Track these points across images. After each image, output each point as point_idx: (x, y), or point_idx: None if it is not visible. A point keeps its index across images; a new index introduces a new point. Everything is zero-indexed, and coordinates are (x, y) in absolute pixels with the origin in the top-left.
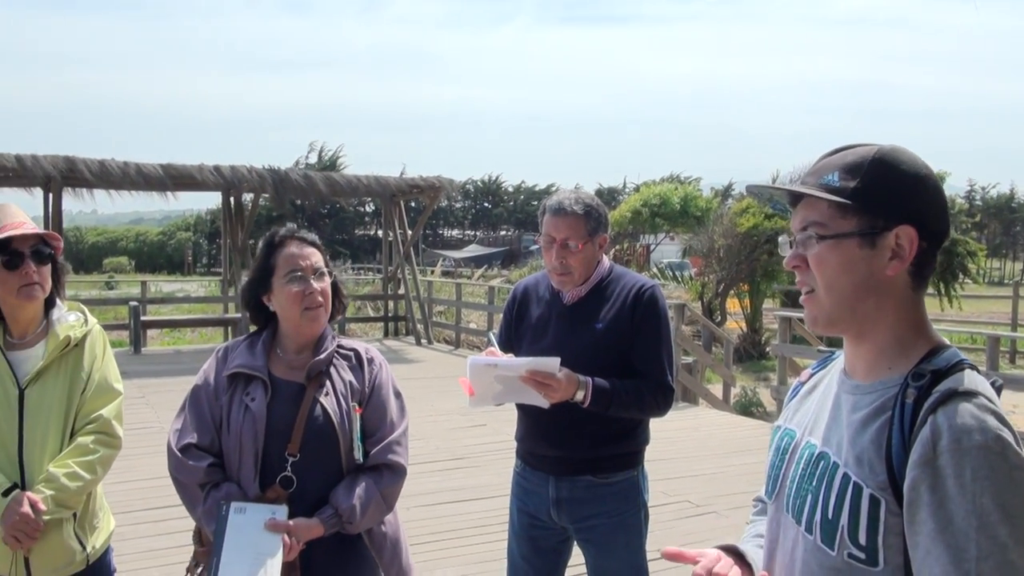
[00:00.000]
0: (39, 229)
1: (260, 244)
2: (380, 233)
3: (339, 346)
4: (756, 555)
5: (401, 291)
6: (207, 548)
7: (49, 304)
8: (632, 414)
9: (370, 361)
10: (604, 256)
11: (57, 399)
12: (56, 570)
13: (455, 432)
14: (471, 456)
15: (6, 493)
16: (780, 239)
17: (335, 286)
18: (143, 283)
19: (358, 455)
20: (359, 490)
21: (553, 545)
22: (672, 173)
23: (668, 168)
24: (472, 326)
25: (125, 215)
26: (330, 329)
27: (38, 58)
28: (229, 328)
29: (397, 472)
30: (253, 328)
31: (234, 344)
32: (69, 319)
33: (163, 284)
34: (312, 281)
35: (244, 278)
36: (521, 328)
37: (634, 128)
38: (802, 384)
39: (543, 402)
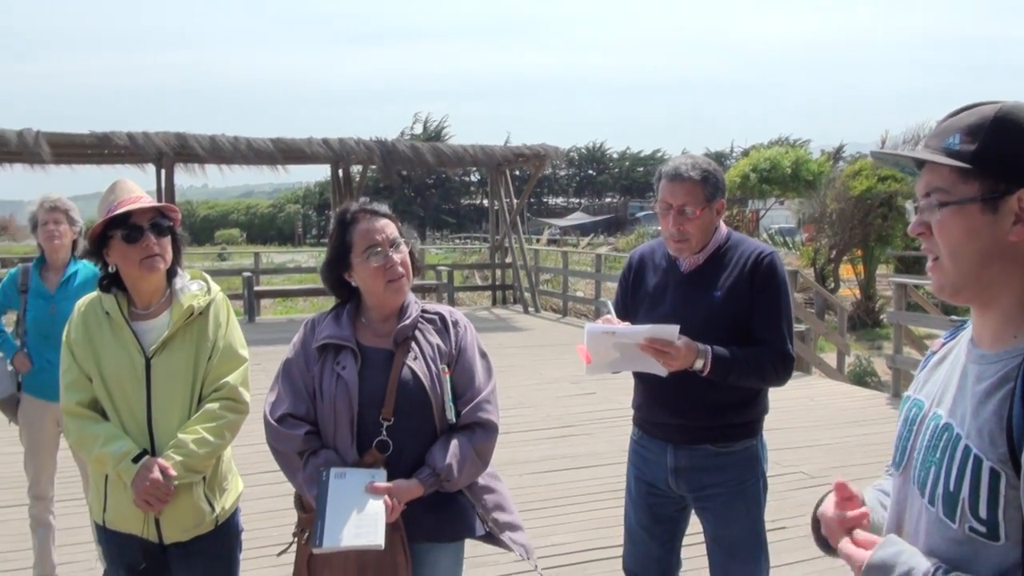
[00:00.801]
0: (156, 202)
1: (332, 223)
2: (486, 202)
3: (423, 311)
4: (874, 500)
5: (508, 260)
6: (310, 514)
7: (171, 274)
8: (751, 383)
9: (455, 324)
10: (721, 222)
11: (183, 367)
12: (186, 530)
13: (565, 400)
14: (581, 424)
15: (136, 459)
16: (907, 205)
17: (411, 253)
18: (256, 254)
19: (450, 415)
20: (454, 448)
21: (671, 514)
22: (781, 136)
23: (776, 131)
24: (579, 294)
25: (235, 189)
26: (412, 295)
27: (152, 39)
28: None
29: (489, 429)
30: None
31: (320, 317)
32: (192, 288)
33: (274, 255)
34: (391, 253)
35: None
36: (637, 296)
37: (741, 90)
38: (933, 354)
39: (661, 370)
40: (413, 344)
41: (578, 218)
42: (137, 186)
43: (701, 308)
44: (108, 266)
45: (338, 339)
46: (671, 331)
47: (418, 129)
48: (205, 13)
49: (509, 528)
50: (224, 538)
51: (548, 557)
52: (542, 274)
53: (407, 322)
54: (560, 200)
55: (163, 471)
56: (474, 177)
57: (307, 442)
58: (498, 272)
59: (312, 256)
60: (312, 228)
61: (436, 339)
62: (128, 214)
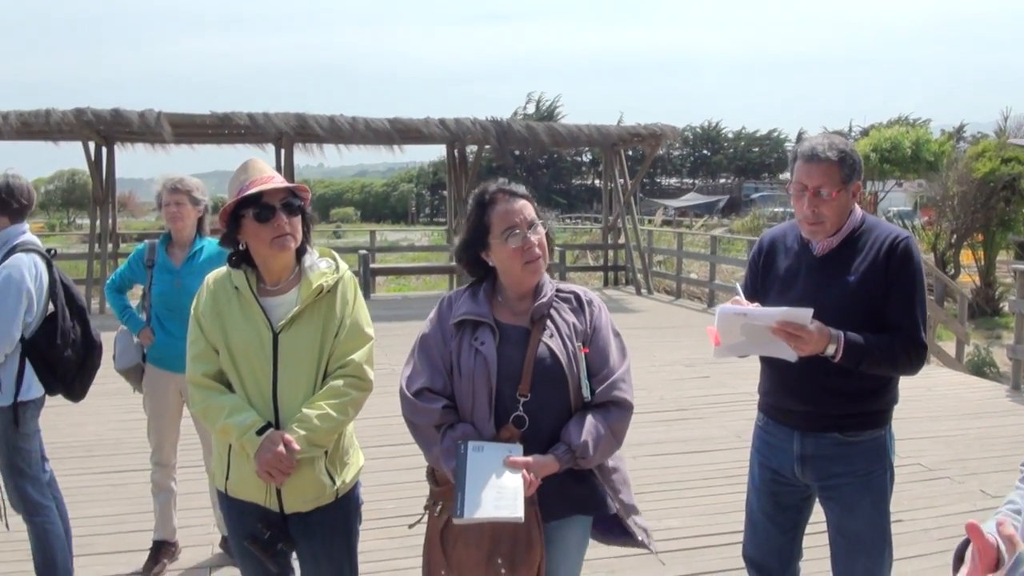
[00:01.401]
0: (287, 183)
1: (470, 203)
2: (597, 182)
3: (558, 290)
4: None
5: (621, 240)
6: (443, 487)
7: (300, 252)
8: (883, 371)
9: (589, 303)
10: (856, 205)
11: (309, 343)
12: (306, 502)
13: (679, 383)
14: (695, 408)
15: (261, 432)
16: None
17: (547, 234)
18: (371, 232)
19: (586, 393)
20: (589, 426)
21: (795, 502)
22: (900, 115)
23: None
24: (693, 276)
25: (350, 168)
26: (547, 275)
27: (271, 20)
28: (454, 276)
29: (624, 408)
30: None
31: (456, 294)
32: (321, 266)
33: (388, 233)
34: (529, 235)
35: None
36: (768, 279)
37: (860, 68)
38: None
39: (791, 355)
40: (549, 322)
41: (692, 199)
42: (268, 166)
43: (834, 292)
44: (238, 243)
45: (476, 315)
46: (804, 315)
47: (531, 109)
48: None
49: (633, 511)
50: (344, 510)
51: (662, 541)
52: (655, 255)
53: (543, 300)
54: (673, 180)
55: (286, 444)
56: (586, 157)
57: (444, 416)
58: (610, 253)
59: (425, 235)
60: (425, 207)
61: (572, 318)
62: (260, 194)
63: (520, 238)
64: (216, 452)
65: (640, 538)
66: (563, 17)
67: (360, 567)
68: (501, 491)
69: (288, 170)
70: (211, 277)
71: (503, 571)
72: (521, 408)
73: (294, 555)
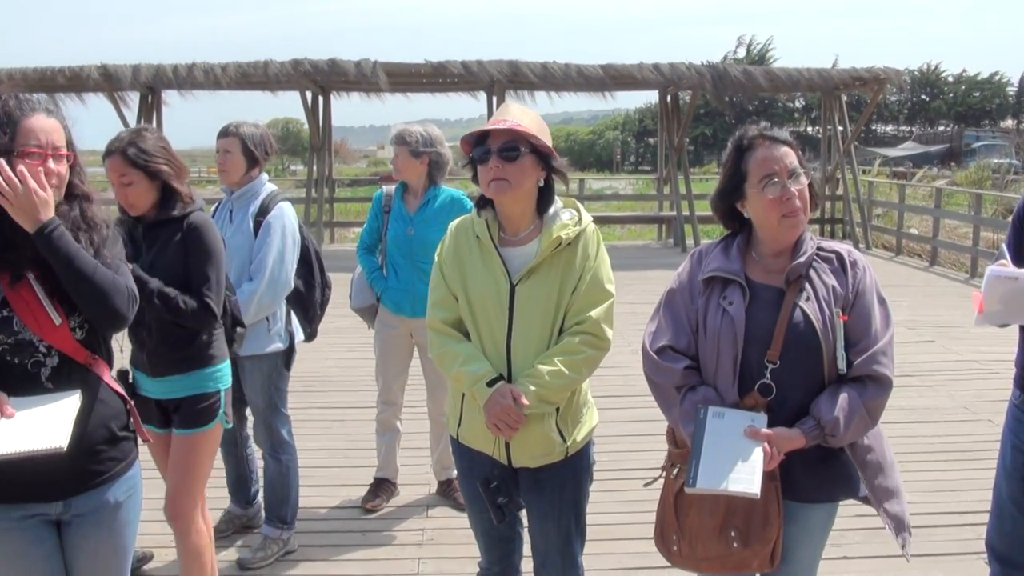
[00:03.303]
0: (518, 128)
1: (728, 148)
2: (810, 129)
3: (819, 248)
4: None
5: (839, 192)
6: (682, 450)
7: (544, 202)
8: None
9: (853, 264)
10: None
11: (546, 297)
12: (534, 458)
13: (901, 347)
14: (920, 375)
15: (492, 383)
16: None
17: (810, 184)
18: (580, 180)
19: (841, 365)
20: (842, 401)
21: None
22: None
23: None
24: (913, 231)
25: (555, 115)
26: (808, 230)
27: None
28: (663, 226)
29: (882, 384)
30: (724, 232)
31: (707, 248)
32: (563, 218)
33: (592, 181)
34: (789, 184)
35: (715, 184)
36: None
37: None
38: None
39: None
40: (806, 283)
41: (909, 148)
42: (521, 111)
43: None
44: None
45: (726, 272)
46: None
47: (741, 53)
48: None
49: (886, 496)
50: (574, 470)
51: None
52: (874, 208)
53: (801, 259)
54: (890, 128)
55: (515, 398)
56: (798, 103)
57: (686, 376)
58: (827, 204)
59: (630, 184)
60: (630, 155)
61: (832, 280)
62: (485, 135)
63: (779, 188)
64: (451, 398)
65: (889, 529)
66: None
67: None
68: (739, 463)
69: None
70: (455, 224)
71: (735, 544)
72: (768, 375)
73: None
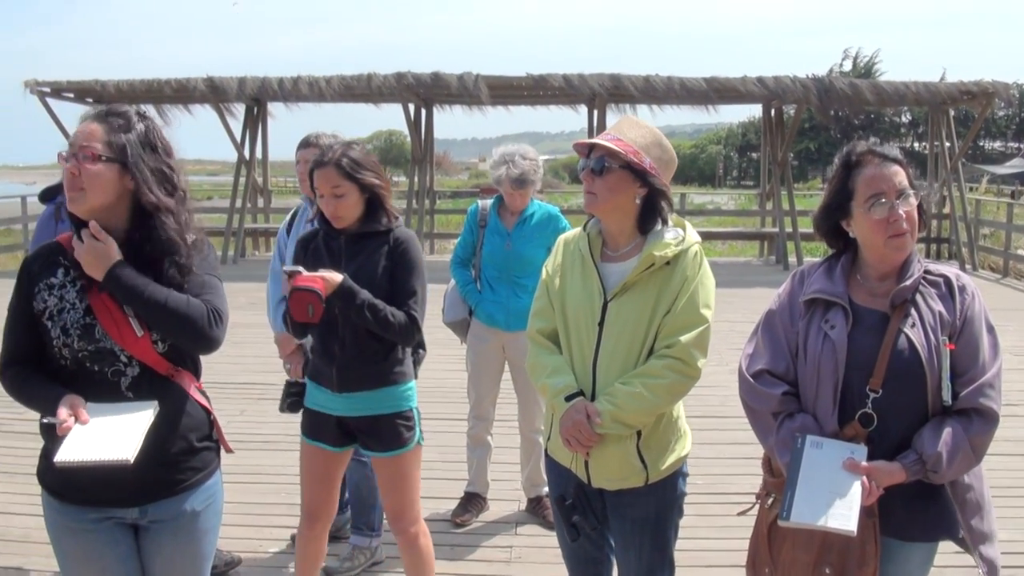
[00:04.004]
0: (611, 141)
1: (836, 163)
2: (916, 145)
3: (926, 271)
4: None
5: (945, 210)
6: (778, 479)
7: (649, 220)
8: None
9: (961, 289)
10: None
11: (636, 316)
12: (611, 480)
13: (1006, 374)
14: None
15: (571, 398)
16: None
17: (919, 205)
18: (682, 195)
19: (946, 396)
20: (946, 436)
21: None
22: None
23: None
24: (1021, 252)
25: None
26: (916, 252)
27: None
28: (765, 243)
29: (989, 419)
30: (829, 252)
31: (810, 268)
32: (665, 236)
33: (694, 196)
34: (897, 205)
35: (819, 201)
36: None
37: None
38: None
39: None
40: (912, 308)
41: (1017, 165)
42: (632, 125)
43: None
44: None
45: (829, 294)
46: None
47: (847, 66)
48: None
49: (982, 538)
50: (658, 499)
51: None
52: (981, 228)
53: (907, 283)
54: (997, 144)
55: (589, 415)
56: (905, 118)
57: (784, 403)
58: (933, 223)
59: (732, 199)
60: (733, 170)
61: (938, 305)
62: (592, 148)
63: (886, 208)
64: (546, 410)
65: (983, 572)
66: None
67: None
68: (835, 497)
69: (600, 131)
70: (563, 237)
71: None
72: (870, 404)
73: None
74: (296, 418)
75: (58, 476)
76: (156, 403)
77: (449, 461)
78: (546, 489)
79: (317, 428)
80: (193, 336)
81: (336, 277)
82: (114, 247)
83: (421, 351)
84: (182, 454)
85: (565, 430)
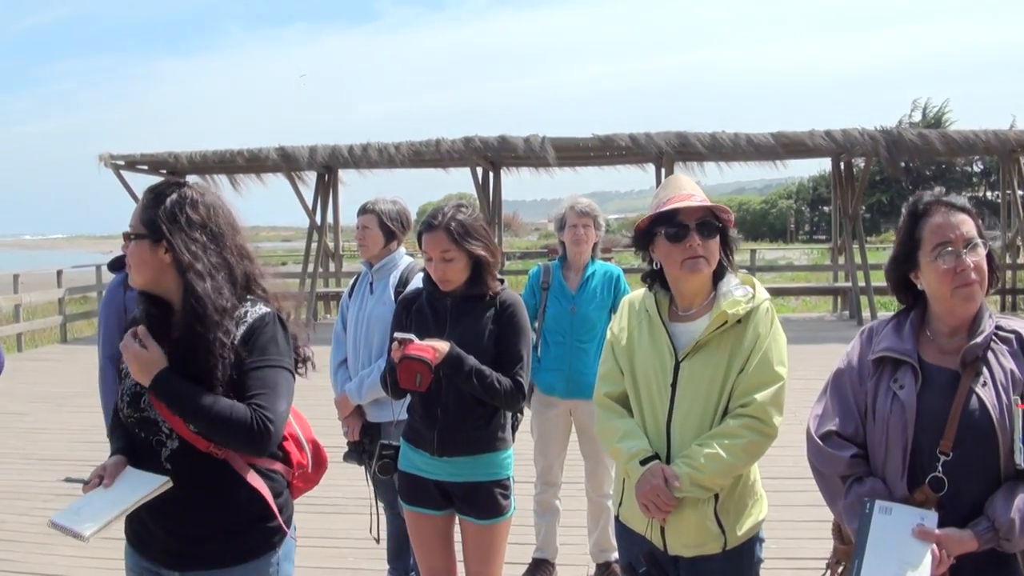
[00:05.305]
0: (708, 202)
1: (903, 213)
2: (988, 194)
3: (997, 327)
4: None
5: (1020, 260)
6: (847, 546)
7: (718, 277)
8: None
9: None
10: None
11: (710, 375)
12: (687, 546)
13: None
14: None
15: (646, 461)
16: None
17: (989, 256)
18: (752, 251)
19: (1019, 459)
20: (1019, 502)
21: None
22: None
23: None
24: None
25: (727, 185)
26: (988, 308)
27: (652, 42)
28: (838, 298)
29: None
30: (899, 307)
31: (879, 325)
32: (736, 294)
33: (766, 252)
34: (964, 255)
35: (888, 252)
36: None
37: None
38: None
39: None
40: (983, 367)
41: None
42: (692, 183)
43: None
44: (652, 262)
45: (898, 352)
46: None
47: (916, 116)
48: (719, 11)
49: None
50: (733, 566)
51: None
52: None
53: (979, 340)
54: None
55: (667, 479)
56: (977, 167)
57: (852, 466)
58: (1008, 274)
59: (804, 253)
60: (804, 224)
61: (1010, 363)
62: (676, 212)
63: (953, 257)
64: (616, 475)
65: None
66: (951, 15)
67: None
68: (905, 565)
69: None
70: (627, 299)
71: None
72: (940, 468)
73: None
74: (360, 480)
75: (128, 523)
76: (166, 479)
77: (516, 525)
78: (615, 555)
79: (416, 493)
80: (237, 444)
81: (444, 346)
82: (157, 353)
83: (519, 415)
84: (221, 533)
85: (642, 494)
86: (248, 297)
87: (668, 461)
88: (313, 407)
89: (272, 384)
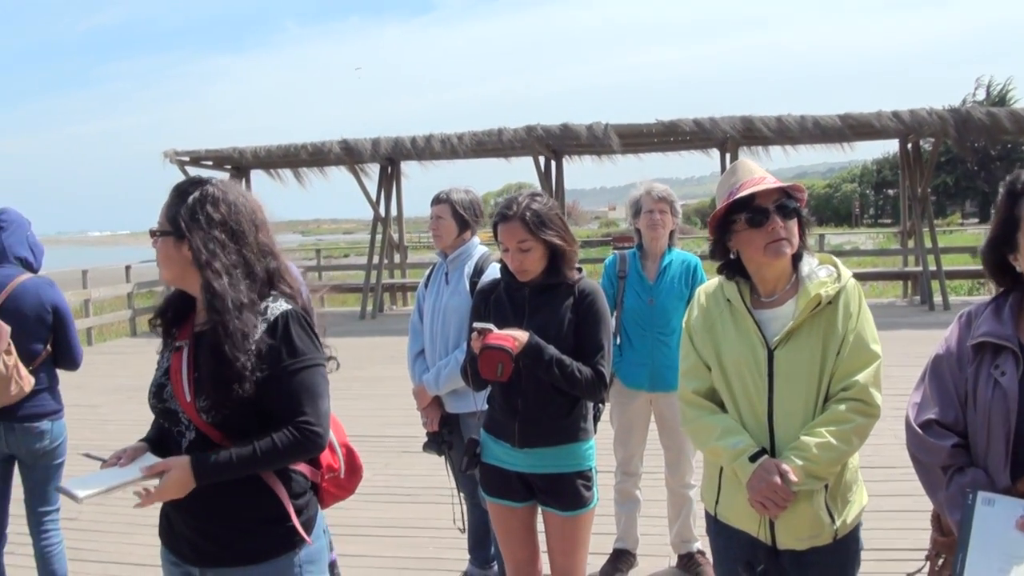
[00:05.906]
0: (780, 182)
1: (1000, 192)
2: None
3: None
4: None
5: None
6: (948, 538)
7: (797, 259)
8: None
9: None
10: None
11: (808, 361)
12: (800, 539)
13: None
14: None
15: (754, 458)
16: None
17: None
18: (819, 236)
19: None
20: None
21: None
22: None
23: None
24: None
25: (790, 170)
26: None
27: (713, 27)
28: (908, 283)
29: None
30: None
31: (978, 309)
32: (820, 274)
33: (831, 236)
34: None
35: (984, 236)
36: None
37: None
38: None
39: None
40: None
41: None
42: (758, 166)
43: None
44: (729, 252)
45: (997, 337)
46: None
47: (980, 95)
48: None
49: None
50: (842, 554)
51: None
52: None
53: None
54: None
55: (782, 475)
56: None
57: (953, 456)
58: None
59: (870, 238)
60: (869, 207)
61: None
62: (752, 196)
63: None
64: (706, 473)
65: None
66: None
67: None
68: (1012, 560)
69: None
70: (702, 289)
71: None
72: None
73: None
74: (437, 470)
75: (161, 519)
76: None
77: (596, 515)
78: (696, 545)
79: (498, 485)
80: (296, 461)
81: (523, 335)
82: (173, 464)
83: (601, 405)
84: (236, 530)
85: (757, 492)
86: (271, 293)
87: (773, 455)
88: (391, 397)
89: (308, 385)
